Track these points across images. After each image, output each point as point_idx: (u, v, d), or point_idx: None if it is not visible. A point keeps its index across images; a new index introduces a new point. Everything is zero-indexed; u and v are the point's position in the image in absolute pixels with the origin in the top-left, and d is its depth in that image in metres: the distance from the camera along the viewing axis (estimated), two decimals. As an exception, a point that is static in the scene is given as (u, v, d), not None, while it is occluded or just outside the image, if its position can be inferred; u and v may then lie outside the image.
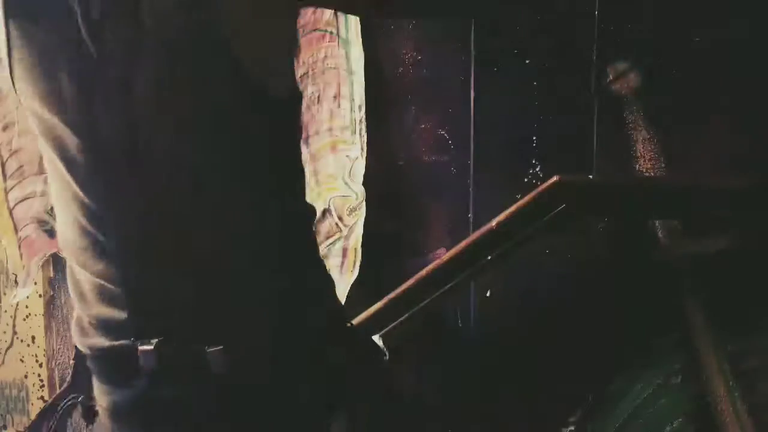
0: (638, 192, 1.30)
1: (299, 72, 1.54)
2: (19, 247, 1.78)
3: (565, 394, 1.39)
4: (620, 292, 1.33)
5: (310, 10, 1.51)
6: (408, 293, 1.34)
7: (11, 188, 1.77)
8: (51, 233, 1.75)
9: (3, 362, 1.88)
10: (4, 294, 1.86)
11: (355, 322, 1.39)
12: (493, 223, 1.30)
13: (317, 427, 0.88)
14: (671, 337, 1.31)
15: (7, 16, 0.83)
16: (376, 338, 0.99)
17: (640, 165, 1.32)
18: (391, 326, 1.35)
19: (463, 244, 1.33)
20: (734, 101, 1.28)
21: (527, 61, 1.36)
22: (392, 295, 1.35)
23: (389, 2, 0.96)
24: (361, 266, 1.49)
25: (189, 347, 0.82)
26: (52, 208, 1.74)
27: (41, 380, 1.85)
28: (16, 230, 1.77)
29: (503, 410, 1.42)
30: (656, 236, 1.32)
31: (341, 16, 1.48)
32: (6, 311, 1.86)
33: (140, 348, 0.82)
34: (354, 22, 1.47)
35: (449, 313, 1.46)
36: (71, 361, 1.82)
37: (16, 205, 1.76)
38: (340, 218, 1.51)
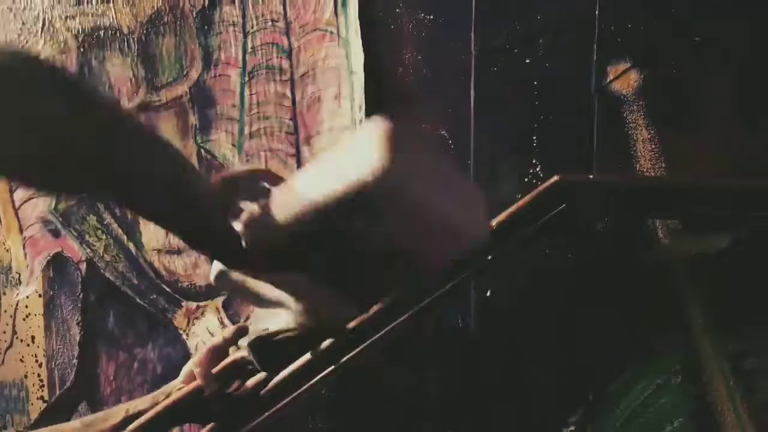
0: (638, 192, 1.30)
1: (299, 71, 1.54)
2: (24, 246, 1.80)
3: (565, 394, 1.39)
4: (620, 292, 1.33)
5: (311, 9, 1.51)
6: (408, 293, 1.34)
7: (16, 188, 1.79)
8: (55, 233, 1.76)
9: (3, 362, 1.88)
10: (4, 294, 1.86)
11: (355, 322, 1.39)
12: (493, 223, 1.30)
13: None
14: (671, 337, 1.31)
15: None
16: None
17: (640, 165, 1.32)
18: (390, 327, 1.35)
19: (463, 244, 1.33)
20: (735, 101, 1.28)
21: (527, 61, 1.36)
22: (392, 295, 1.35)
23: None
24: (361, 266, 1.49)
25: None
26: (56, 207, 1.75)
27: (41, 380, 1.85)
28: (21, 230, 1.79)
29: (503, 410, 1.42)
30: (656, 236, 1.32)
31: (341, 15, 1.48)
32: (6, 311, 1.86)
33: None
34: (354, 22, 1.47)
35: (449, 313, 1.46)
36: (73, 361, 1.82)
37: (21, 204, 1.79)
38: (340, 218, 1.51)
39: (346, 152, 0.76)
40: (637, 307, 1.32)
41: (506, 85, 1.38)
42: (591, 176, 1.33)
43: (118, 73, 1.72)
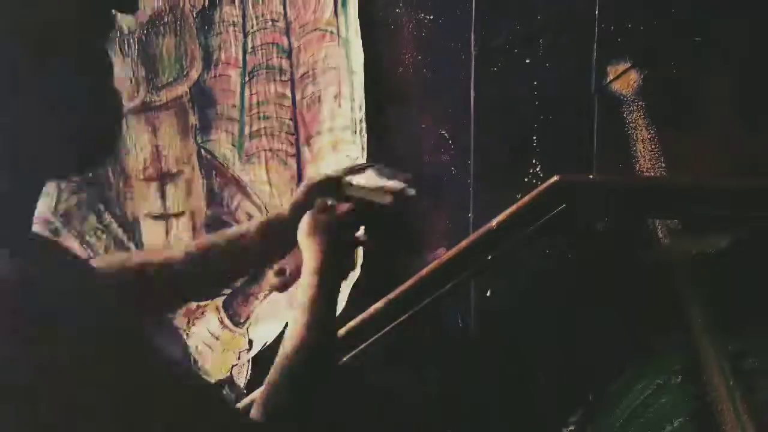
0: (638, 192, 1.30)
1: (299, 71, 1.54)
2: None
3: (565, 394, 1.39)
4: (620, 292, 1.33)
5: (311, 9, 1.51)
6: (408, 293, 1.34)
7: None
8: (55, 233, 1.76)
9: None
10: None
11: (355, 322, 1.39)
12: (493, 223, 1.30)
13: None
14: (671, 337, 1.31)
15: None
16: None
17: (640, 165, 1.31)
18: (390, 326, 1.35)
19: (463, 244, 1.33)
20: (735, 101, 1.28)
21: (527, 61, 1.36)
22: (392, 295, 1.35)
23: None
24: (361, 266, 1.49)
25: None
26: (56, 208, 1.74)
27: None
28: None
29: (503, 410, 1.42)
30: (656, 236, 1.32)
31: (341, 15, 1.48)
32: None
33: None
34: (354, 22, 1.47)
35: (449, 313, 1.46)
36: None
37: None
38: (340, 218, 1.51)
39: None
40: (637, 307, 1.32)
41: (506, 85, 1.38)
42: (591, 176, 1.33)
43: (118, 74, 1.72)
